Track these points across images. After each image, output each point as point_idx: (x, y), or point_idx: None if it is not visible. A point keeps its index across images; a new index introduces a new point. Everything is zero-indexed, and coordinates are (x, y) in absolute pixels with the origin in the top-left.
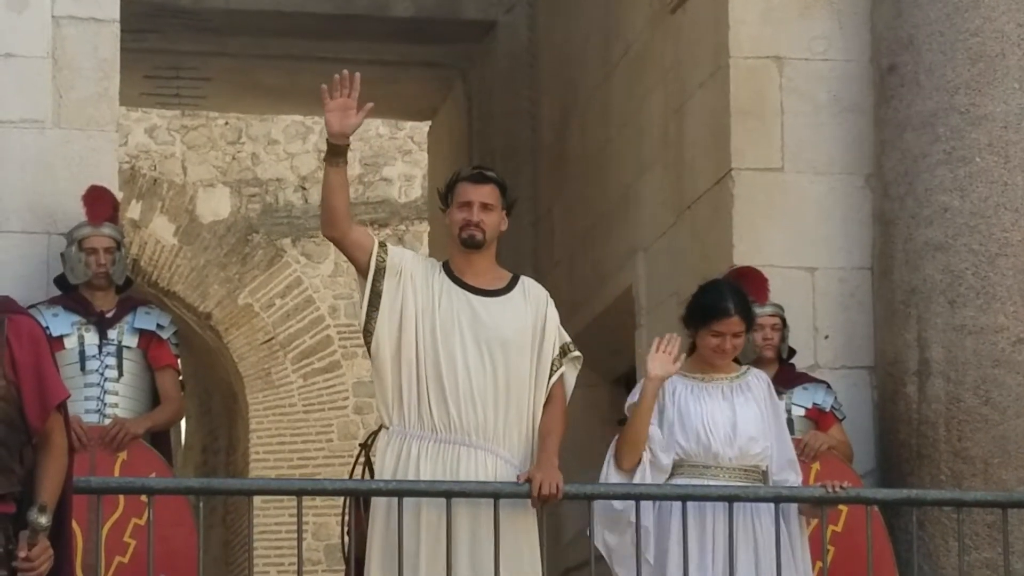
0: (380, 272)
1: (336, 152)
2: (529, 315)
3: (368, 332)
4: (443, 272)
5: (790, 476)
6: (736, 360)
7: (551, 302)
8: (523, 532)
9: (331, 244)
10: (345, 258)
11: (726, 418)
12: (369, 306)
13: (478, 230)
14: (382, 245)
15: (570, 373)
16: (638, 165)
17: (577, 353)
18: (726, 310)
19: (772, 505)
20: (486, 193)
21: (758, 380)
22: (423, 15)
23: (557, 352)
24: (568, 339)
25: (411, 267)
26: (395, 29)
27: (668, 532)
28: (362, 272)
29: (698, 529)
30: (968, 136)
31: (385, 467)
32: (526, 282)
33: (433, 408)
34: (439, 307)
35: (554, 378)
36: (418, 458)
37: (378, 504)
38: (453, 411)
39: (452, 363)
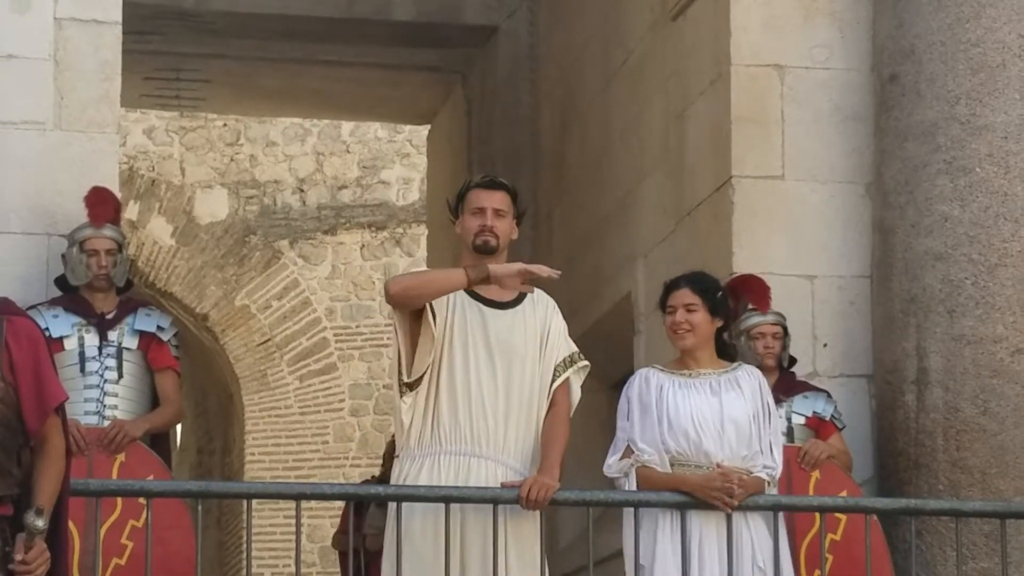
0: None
1: (481, 280)
2: (537, 325)
3: (418, 381)
4: None
5: (760, 461)
6: (728, 357)
7: (557, 311)
8: (531, 538)
9: (329, 246)
10: (343, 260)
11: (714, 414)
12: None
13: (492, 235)
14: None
15: (576, 382)
16: (638, 171)
17: (585, 363)
18: (675, 283)
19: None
20: (498, 199)
21: (749, 376)
22: (424, 19)
23: (561, 360)
24: (575, 349)
25: None
26: (396, 33)
27: (653, 540)
28: (407, 326)
29: (668, 534)
30: (968, 146)
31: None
32: (536, 293)
33: (445, 420)
34: (455, 321)
35: (556, 383)
36: (421, 470)
37: (392, 511)
38: (463, 421)
39: (465, 374)
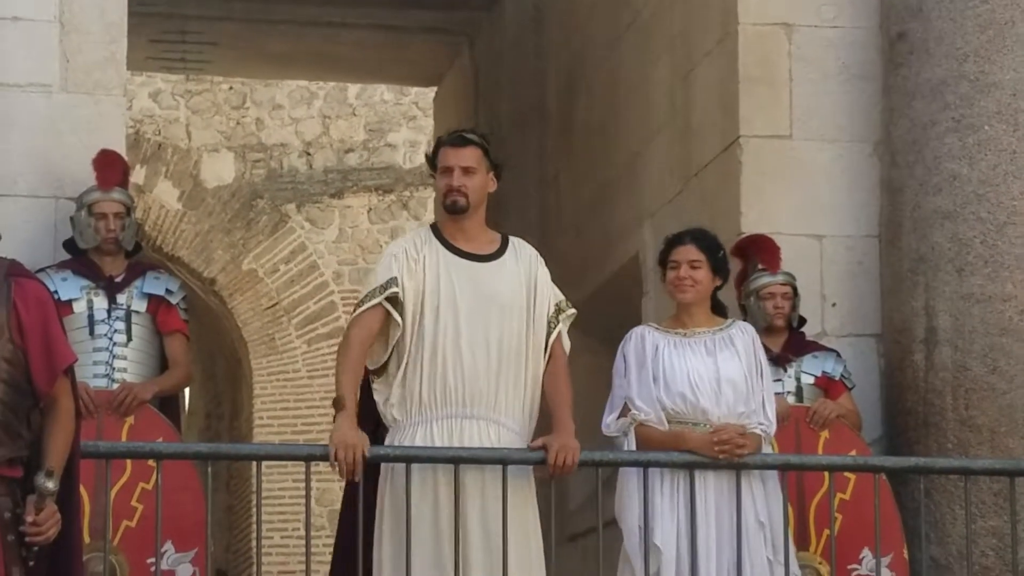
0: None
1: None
2: (521, 276)
3: (384, 368)
4: (435, 238)
5: (755, 418)
6: (722, 314)
7: (541, 260)
8: (529, 498)
9: (336, 210)
10: (350, 224)
11: (710, 373)
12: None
13: (460, 195)
14: (389, 299)
15: (566, 331)
16: (645, 132)
17: (572, 310)
18: (680, 239)
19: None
20: (466, 156)
21: (743, 334)
22: None
23: (552, 311)
24: (562, 297)
25: (405, 259)
26: None
27: (653, 498)
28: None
29: (666, 493)
30: (977, 104)
31: (391, 465)
32: (516, 243)
33: (436, 384)
34: (439, 281)
35: (552, 337)
36: (415, 439)
37: (386, 474)
38: (452, 383)
39: (456, 334)
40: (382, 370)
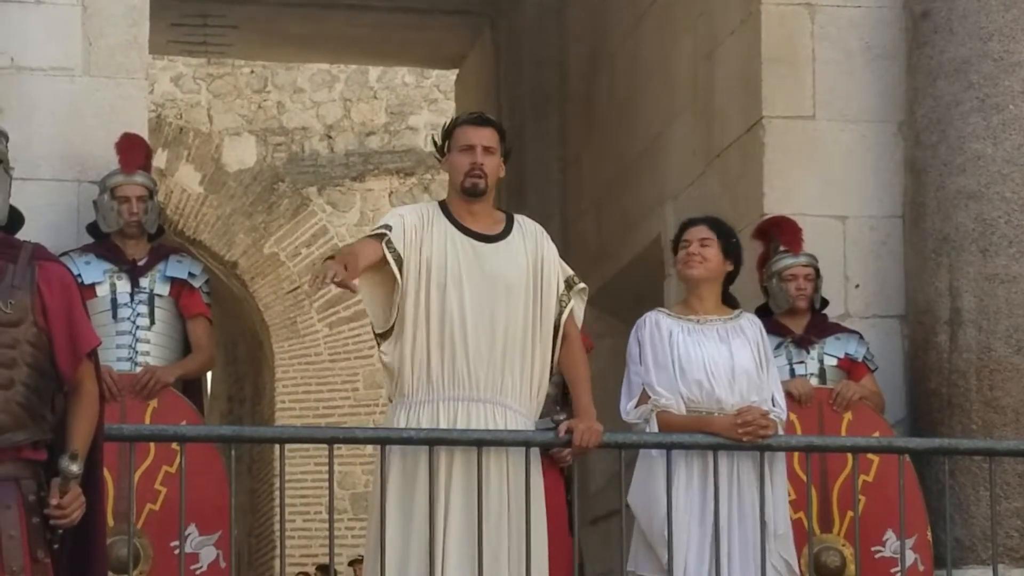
0: (400, 265)
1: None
2: (528, 255)
3: (390, 330)
4: (443, 216)
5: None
6: (732, 305)
7: (547, 236)
8: (534, 479)
9: (357, 193)
10: (372, 207)
11: (725, 361)
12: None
13: (480, 177)
14: (387, 244)
15: (578, 306)
16: (667, 113)
17: (583, 285)
18: (692, 221)
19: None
20: (487, 136)
21: (751, 324)
22: None
23: (563, 287)
24: (571, 272)
25: (410, 227)
26: None
27: (662, 479)
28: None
29: (684, 478)
30: (1001, 83)
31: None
32: (520, 220)
33: (444, 366)
34: (447, 258)
35: (565, 314)
36: (420, 419)
37: (394, 455)
38: (460, 364)
39: (462, 316)
40: (388, 334)
